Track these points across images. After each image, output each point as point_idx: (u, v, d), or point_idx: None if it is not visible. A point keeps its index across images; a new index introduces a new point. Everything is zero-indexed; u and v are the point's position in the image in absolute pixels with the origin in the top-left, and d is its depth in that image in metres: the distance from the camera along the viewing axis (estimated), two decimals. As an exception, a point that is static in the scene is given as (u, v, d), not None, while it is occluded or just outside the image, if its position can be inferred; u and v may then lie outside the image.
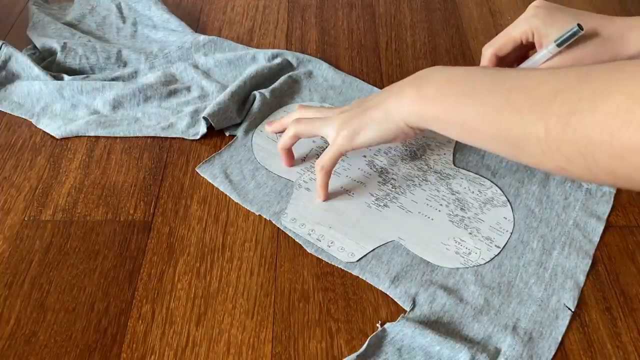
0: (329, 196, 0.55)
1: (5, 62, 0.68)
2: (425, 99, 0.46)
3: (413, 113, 0.47)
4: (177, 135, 0.62)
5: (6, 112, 0.65)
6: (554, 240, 0.53)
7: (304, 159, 0.60)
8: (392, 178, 0.58)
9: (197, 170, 0.58)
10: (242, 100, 0.64)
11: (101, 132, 0.62)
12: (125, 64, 0.70)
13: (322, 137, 0.54)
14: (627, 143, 0.33)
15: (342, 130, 0.51)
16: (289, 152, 0.58)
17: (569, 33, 0.49)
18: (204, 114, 0.61)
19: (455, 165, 0.59)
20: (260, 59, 0.70)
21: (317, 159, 0.59)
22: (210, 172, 0.58)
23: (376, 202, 0.56)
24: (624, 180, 0.35)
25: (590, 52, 0.51)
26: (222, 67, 0.70)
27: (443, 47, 0.75)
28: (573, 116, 0.35)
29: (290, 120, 0.56)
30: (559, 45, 0.50)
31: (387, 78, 0.70)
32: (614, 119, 0.33)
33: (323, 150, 0.60)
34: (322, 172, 0.54)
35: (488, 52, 0.55)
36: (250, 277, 0.50)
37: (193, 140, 0.62)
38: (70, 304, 0.48)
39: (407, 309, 0.48)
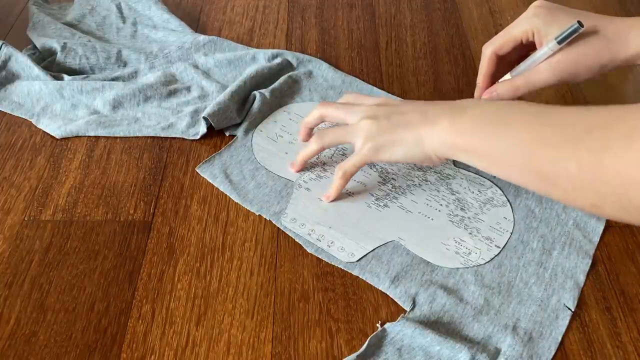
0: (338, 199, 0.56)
1: (5, 62, 0.68)
2: (458, 131, 0.47)
3: (446, 143, 0.47)
4: (177, 135, 0.62)
5: (6, 112, 0.65)
6: (554, 240, 0.53)
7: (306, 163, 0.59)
8: (392, 178, 0.58)
9: (197, 170, 0.58)
10: (242, 100, 0.64)
11: (101, 132, 0.62)
12: (125, 64, 0.70)
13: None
14: None
15: (370, 141, 0.51)
16: (306, 163, 0.58)
17: (569, 30, 0.49)
18: (204, 114, 0.61)
19: (455, 165, 0.59)
20: (260, 59, 0.70)
21: (316, 159, 0.59)
22: (210, 172, 0.58)
23: (376, 202, 0.56)
24: None
25: (590, 51, 0.51)
26: (222, 67, 0.70)
27: (443, 47, 0.75)
28: (607, 152, 0.35)
29: (310, 123, 0.57)
30: (559, 43, 0.50)
31: (387, 78, 0.70)
32: None
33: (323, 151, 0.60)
34: (343, 177, 0.54)
35: (488, 51, 0.55)
36: (250, 277, 0.50)
37: (193, 140, 0.62)
38: (70, 304, 0.48)
39: (407, 309, 0.48)
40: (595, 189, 0.36)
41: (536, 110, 0.43)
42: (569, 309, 0.48)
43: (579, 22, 0.49)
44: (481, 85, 0.57)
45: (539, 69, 0.52)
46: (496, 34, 0.56)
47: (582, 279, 0.50)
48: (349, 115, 0.53)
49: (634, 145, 0.34)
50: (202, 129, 0.61)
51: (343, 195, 0.56)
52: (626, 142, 0.34)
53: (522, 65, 0.54)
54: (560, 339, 0.46)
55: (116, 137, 0.62)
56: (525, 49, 0.55)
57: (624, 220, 0.39)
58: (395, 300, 0.49)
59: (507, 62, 0.56)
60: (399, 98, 0.67)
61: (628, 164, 0.34)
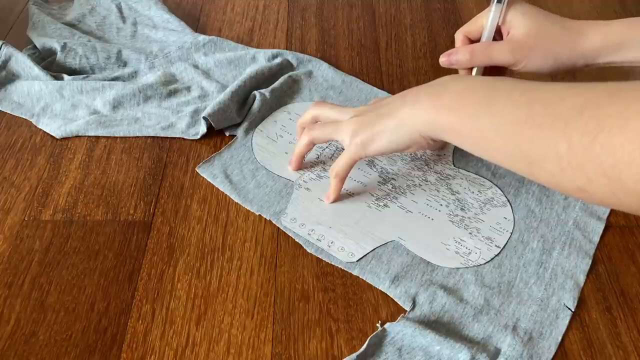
0: (338, 199, 0.56)
1: (5, 62, 0.68)
2: (440, 108, 0.45)
3: (427, 122, 0.46)
4: (177, 135, 0.62)
5: (6, 112, 0.65)
6: (554, 240, 0.53)
7: (303, 159, 0.59)
8: (392, 178, 0.58)
9: (197, 170, 0.58)
10: (242, 100, 0.64)
11: (101, 132, 0.62)
12: (125, 64, 0.70)
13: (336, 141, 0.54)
14: None
15: (356, 137, 0.50)
16: (302, 159, 0.58)
17: None
18: (204, 113, 0.61)
19: (455, 165, 0.59)
20: (260, 59, 0.70)
21: (316, 158, 0.59)
22: (210, 172, 0.58)
23: (376, 202, 0.56)
24: None
25: (548, 36, 0.51)
26: (222, 67, 0.70)
27: (443, 47, 0.75)
28: (600, 133, 0.33)
29: (304, 123, 0.57)
30: (499, 1, 0.51)
31: (387, 78, 0.70)
32: None
33: (322, 150, 0.60)
34: (336, 178, 0.53)
35: (459, 35, 0.56)
36: (250, 277, 0.50)
37: (193, 140, 0.62)
38: (70, 304, 0.48)
39: (407, 309, 0.48)
40: (585, 171, 0.35)
41: (522, 87, 0.41)
42: (569, 309, 0.48)
43: None
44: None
45: (499, 44, 0.53)
46: (496, 33, 0.56)
47: (582, 279, 0.50)
48: (341, 114, 0.54)
49: (630, 125, 0.32)
50: (202, 128, 0.61)
51: (343, 195, 0.56)
52: (620, 122, 0.33)
53: (482, 39, 0.55)
54: (560, 339, 0.46)
55: (116, 137, 0.62)
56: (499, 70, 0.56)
57: (611, 205, 0.37)
58: (395, 300, 0.49)
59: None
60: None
61: (623, 144, 0.32)
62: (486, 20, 0.53)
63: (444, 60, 0.55)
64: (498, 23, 0.53)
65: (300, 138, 0.55)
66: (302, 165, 0.58)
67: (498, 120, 0.41)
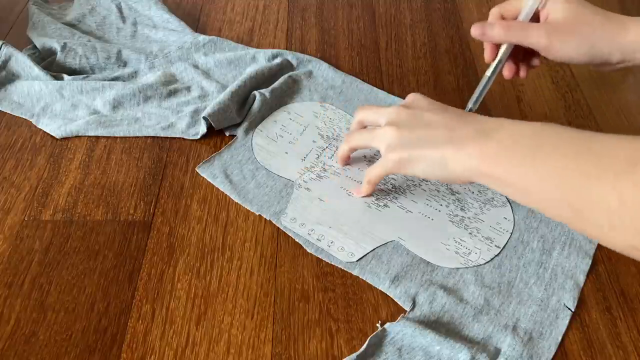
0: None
1: (5, 62, 0.68)
2: (485, 158, 0.43)
3: (470, 169, 0.45)
4: (177, 135, 0.62)
5: (6, 112, 0.65)
6: (554, 240, 0.53)
7: (303, 159, 0.60)
8: (392, 178, 0.58)
9: (197, 170, 0.58)
10: (242, 100, 0.64)
11: (101, 132, 0.62)
12: (125, 64, 0.70)
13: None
14: None
15: (394, 153, 0.49)
16: (346, 159, 0.59)
17: None
18: (204, 113, 0.61)
19: (455, 165, 0.59)
20: (260, 59, 0.70)
21: (317, 159, 0.59)
22: (210, 172, 0.58)
23: (376, 202, 0.56)
24: None
25: (587, 21, 0.50)
26: (222, 67, 0.70)
27: (443, 47, 0.75)
28: None
29: (351, 128, 0.56)
30: None
31: (387, 78, 0.70)
32: None
33: (323, 151, 0.60)
34: (369, 184, 0.54)
35: (495, 11, 0.54)
36: (250, 277, 0.50)
37: (193, 140, 0.62)
38: (70, 304, 0.48)
39: (407, 309, 0.48)
40: (637, 228, 0.33)
41: (572, 135, 0.40)
42: (569, 309, 0.48)
43: None
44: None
45: (536, 25, 0.51)
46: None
47: (582, 279, 0.50)
48: (378, 116, 0.52)
49: None
50: (202, 128, 0.61)
51: (343, 195, 0.56)
52: None
53: (519, 18, 0.53)
54: (560, 339, 0.46)
55: (116, 137, 0.62)
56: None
57: None
58: (395, 300, 0.49)
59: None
60: (399, 100, 0.67)
61: None
62: (526, 0, 0.52)
63: (477, 32, 0.52)
64: (539, 7, 0.52)
65: (342, 144, 0.56)
66: (350, 161, 0.59)
67: (545, 170, 0.40)
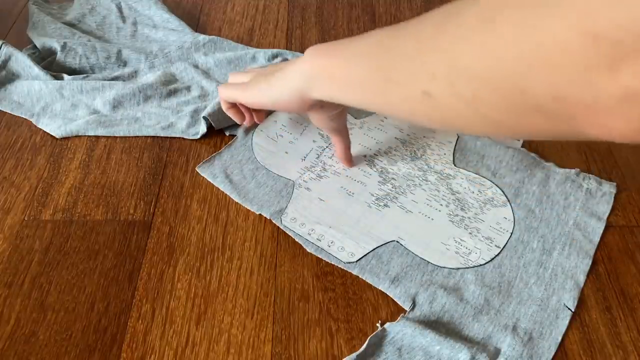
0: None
1: (5, 61, 0.68)
2: (317, 58, 0.44)
3: (303, 71, 0.45)
4: (177, 135, 0.62)
5: (6, 112, 0.65)
6: (554, 240, 0.53)
7: (304, 159, 0.60)
8: (392, 178, 0.58)
9: (197, 170, 0.58)
10: (242, 100, 0.64)
11: (101, 132, 0.62)
12: (125, 64, 0.70)
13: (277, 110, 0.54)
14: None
15: (248, 89, 0.51)
16: (236, 112, 0.56)
17: None
18: (204, 113, 0.61)
19: (455, 165, 0.59)
20: (260, 58, 0.70)
21: (317, 159, 0.59)
22: (210, 172, 0.58)
23: (376, 202, 0.56)
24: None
25: None
26: (222, 66, 0.70)
27: (443, 47, 0.75)
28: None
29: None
30: None
31: (387, 78, 0.70)
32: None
33: (323, 150, 0.60)
34: (222, 102, 0.55)
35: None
36: (250, 277, 0.50)
37: (193, 140, 0.62)
38: (70, 303, 0.48)
39: (407, 308, 0.48)
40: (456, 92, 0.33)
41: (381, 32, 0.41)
42: (569, 309, 0.48)
43: None
44: None
45: None
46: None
47: (582, 279, 0.50)
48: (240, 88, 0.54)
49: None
50: (202, 128, 0.61)
51: (343, 195, 0.56)
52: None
53: None
54: (560, 339, 0.46)
55: (116, 137, 0.62)
56: None
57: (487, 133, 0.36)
58: (395, 300, 0.49)
59: None
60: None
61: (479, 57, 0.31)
62: None
63: None
64: None
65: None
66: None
67: (357, 48, 0.41)
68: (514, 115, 0.31)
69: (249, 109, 0.57)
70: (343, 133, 0.56)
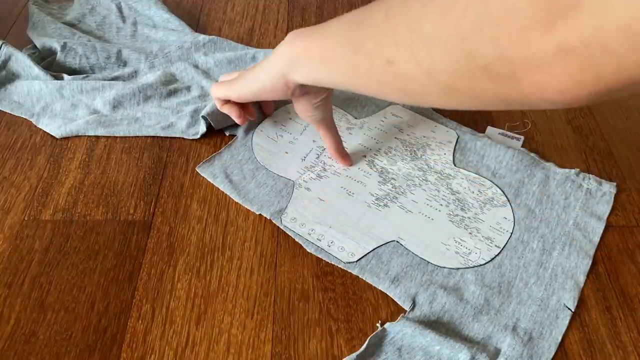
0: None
1: (5, 61, 0.68)
2: (295, 40, 0.46)
3: (284, 53, 0.47)
4: (177, 135, 0.62)
5: (6, 112, 0.65)
6: (554, 240, 0.53)
7: (303, 159, 0.60)
8: (392, 178, 0.58)
9: (197, 170, 0.58)
10: (242, 100, 0.64)
11: (101, 132, 0.62)
12: (125, 64, 0.70)
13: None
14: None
15: (235, 83, 0.53)
16: (230, 107, 0.57)
17: None
18: (203, 113, 0.61)
19: (455, 165, 0.59)
20: (260, 58, 0.70)
21: (317, 159, 0.59)
22: (210, 172, 0.58)
23: (376, 202, 0.56)
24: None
25: None
26: (222, 66, 0.70)
27: (443, 47, 0.75)
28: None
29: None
30: None
31: (387, 78, 0.70)
32: None
33: (323, 150, 0.60)
34: (215, 101, 0.57)
35: None
36: (250, 277, 0.50)
37: (193, 140, 0.62)
38: (70, 303, 0.48)
39: (407, 308, 0.48)
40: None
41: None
42: (569, 309, 0.48)
43: None
44: None
45: None
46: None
47: (582, 279, 0.50)
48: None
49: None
50: (202, 128, 0.61)
51: (343, 195, 0.56)
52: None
53: None
54: (560, 339, 0.46)
55: (116, 137, 0.62)
56: None
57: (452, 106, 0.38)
58: (395, 300, 0.49)
59: None
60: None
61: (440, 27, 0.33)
62: None
63: None
64: None
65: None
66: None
67: (334, 27, 0.43)
68: (466, 79, 0.33)
69: (243, 106, 0.58)
70: (330, 125, 0.56)
